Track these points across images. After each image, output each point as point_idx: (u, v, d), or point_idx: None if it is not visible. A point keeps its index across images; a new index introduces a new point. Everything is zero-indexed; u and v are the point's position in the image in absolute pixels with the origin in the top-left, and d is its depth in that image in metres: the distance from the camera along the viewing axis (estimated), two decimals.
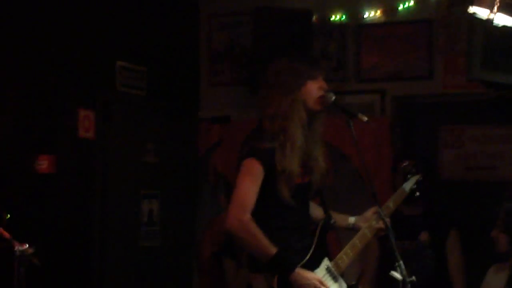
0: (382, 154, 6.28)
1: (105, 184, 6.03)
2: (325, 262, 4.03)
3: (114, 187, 6.10)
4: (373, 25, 6.61)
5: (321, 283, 3.88)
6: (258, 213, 3.92)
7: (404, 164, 5.39)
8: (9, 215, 4.93)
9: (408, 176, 4.48)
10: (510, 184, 5.00)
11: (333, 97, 4.07)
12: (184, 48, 7.05)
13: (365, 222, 4.19)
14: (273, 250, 3.83)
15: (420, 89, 6.46)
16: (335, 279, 4.02)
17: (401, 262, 3.72)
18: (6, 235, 4.25)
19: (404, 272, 3.71)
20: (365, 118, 4.02)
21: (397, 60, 6.50)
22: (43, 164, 5.59)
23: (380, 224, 4.11)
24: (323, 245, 4.06)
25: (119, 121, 6.15)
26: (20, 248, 4.19)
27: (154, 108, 6.58)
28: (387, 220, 4.04)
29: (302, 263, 3.91)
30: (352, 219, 4.26)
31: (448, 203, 6.20)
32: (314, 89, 4.06)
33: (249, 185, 3.93)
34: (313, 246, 4.00)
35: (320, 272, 3.97)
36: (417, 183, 4.46)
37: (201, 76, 7.21)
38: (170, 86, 6.79)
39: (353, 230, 4.22)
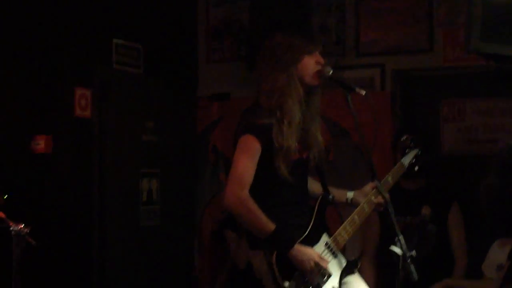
0: (383, 129, 6.22)
1: (103, 164, 5.98)
2: (324, 238, 4.00)
3: (112, 167, 6.06)
4: None
5: (321, 258, 3.85)
6: (256, 190, 3.89)
7: (403, 138, 5.36)
8: (6, 196, 4.90)
9: (407, 150, 4.45)
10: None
11: (331, 71, 4.04)
12: (182, 24, 6.99)
13: (364, 197, 4.16)
14: (271, 226, 3.81)
15: (420, 62, 6.40)
16: (334, 255, 4.00)
17: (401, 236, 3.70)
18: (1, 214, 4.22)
19: (404, 247, 3.67)
20: (363, 92, 3.99)
21: (397, 33, 6.44)
22: (40, 144, 5.54)
23: (379, 199, 4.09)
24: (322, 221, 4.03)
25: (116, 99, 6.09)
26: (16, 227, 4.17)
27: (152, 86, 6.52)
28: (386, 195, 4.00)
29: (300, 239, 3.88)
30: (350, 194, 4.22)
31: (449, 177, 6.17)
32: (311, 64, 4.02)
33: (246, 161, 3.89)
34: (312, 222, 3.98)
35: (319, 248, 3.95)
36: (416, 157, 4.42)
37: (199, 53, 7.15)
38: (167, 64, 6.74)
39: (352, 205, 4.19)
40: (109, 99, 6.03)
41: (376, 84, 6.49)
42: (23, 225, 4.21)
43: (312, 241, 3.93)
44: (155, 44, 6.58)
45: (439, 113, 6.41)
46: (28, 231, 4.21)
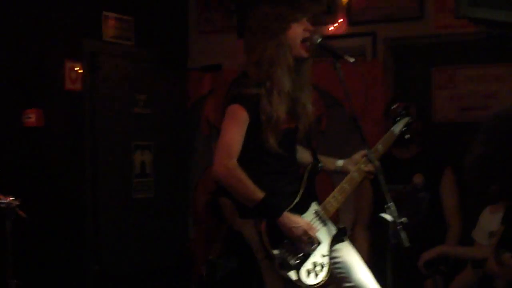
0: (375, 97, 6.22)
1: (94, 137, 5.99)
2: (314, 207, 3.99)
3: (104, 139, 6.06)
4: None
5: (310, 226, 3.85)
6: (245, 159, 3.87)
7: (394, 106, 5.35)
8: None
9: (397, 118, 4.42)
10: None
11: (319, 39, 4.01)
12: None
13: (354, 165, 4.14)
14: (260, 194, 3.80)
15: (411, 30, 6.36)
16: (323, 223, 3.99)
17: (391, 203, 3.68)
18: None
19: (395, 213, 3.66)
20: (352, 59, 3.95)
21: (387, 1, 6.39)
22: (31, 117, 5.54)
23: (369, 167, 4.08)
24: (312, 189, 4.02)
25: (106, 72, 6.09)
26: (5, 200, 4.17)
27: (142, 58, 6.50)
28: (377, 162, 3.99)
29: (290, 207, 3.88)
30: (340, 162, 4.21)
31: (442, 144, 6.16)
32: (299, 32, 3.99)
33: (234, 131, 3.88)
34: (301, 191, 3.96)
35: (308, 217, 3.94)
36: (406, 125, 4.40)
37: (190, 24, 7.12)
38: (158, 36, 6.71)
39: (342, 173, 4.18)
40: (99, 72, 6.02)
41: (367, 52, 6.46)
42: (13, 198, 4.21)
43: (301, 209, 3.92)
44: (145, 16, 6.55)
45: (431, 81, 6.39)
46: (18, 203, 4.22)
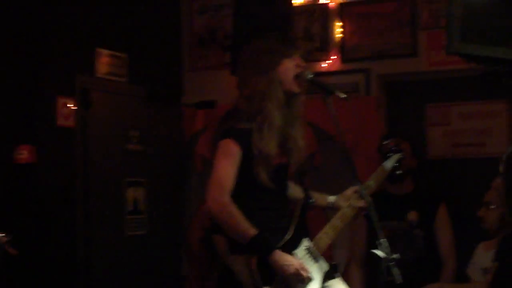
0: (369, 133, 6.21)
1: (87, 173, 5.96)
2: (305, 243, 3.97)
3: (96, 176, 6.04)
4: (355, 2, 6.53)
5: (302, 266, 3.82)
6: (236, 194, 3.86)
7: (385, 142, 5.34)
8: None
9: (389, 154, 4.41)
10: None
11: (310, 75, 4.01)
12: (165, 33, 6.98)
13: (346, 201, 4.13)
14: (253, 231, 3.78)
15: (405, 67, 6.38)
16: (315, 259, 3.97)
17: (383, 239, 3.65)
18: None
19: (387, 249, 3.63)
20: (343, 95, 3.96)
21: (380, 38, 6.42)
22: (23, 154, 5.53)
23: (361, 203, 4.06)
24: (303, 225, 4.00)
25: (99, 108, 6.08)
26: None
27: (136, 94, 6.50)
28: (368, 198, 3.97)
29: (281, 243, 3.85)
30: (332, 198, 4.20)
31: (436, 181, 6.16)
32: (290, 67, 3.99)
33: (227, 166, 3.87)
34: (292, 227, 3.94)
35: (300, 253, 3.92)
36: (398, 161, 4.39)
37: (184, 61, 7.13)
38: (152, 72, 6.72)
39: (333, 209, 4.16)
40: (92, 108, 6.01)
41: (361, 89, 6.47)
42: (3, 234, 4.19)
43: (292, 245, 3.90)
44: (139, 53, 6.56)
45: (425, 117, 6.39)
46: (8, 239, 4.19)
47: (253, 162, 3.86)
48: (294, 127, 4.05)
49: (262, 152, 3.85)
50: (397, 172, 4.41)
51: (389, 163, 4.35)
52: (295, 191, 4.18)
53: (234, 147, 3.87)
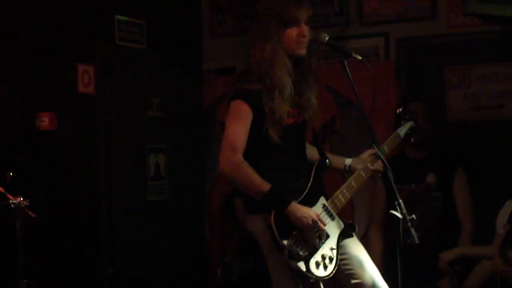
0: (388, 97, 6.20)
1: (108, 140, 6.00)
2: (322, 201, 4.00)
3: (117, 143, 6.07)
4: None
5: (319, 217, 3.86)
6: (251, 155, 3.90)
7: (398, 110, 5.36)
8: (11, 173, 4.94)
9: (402, 122, 4.43)
10: None
11: (327, 37, 4.01)
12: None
13: (361, 164, 4.15)
14: (267, 186, 3.82)
15: (424, 30, 6.35)
16: (331, 217, 3.99)
17: (400, 200, 3.67)
18: (0, 189, 4.26)
19: (404, 211, 3.65)
20: (359, 57, 3.98)
21: (399, 1, 6.38)
22: (44, 121, 5.58)
23: (376, 166, 4.09)
24: (319, 185, 4.03)
25: (119, 75, 6.10)
26: (14, 201, 4.21)
27: (155, 61, 6.52)
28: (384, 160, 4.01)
29: (297, 201, 3.87)
30: (348, 161, 4.22)
31: (455, 144, 6.14)
32: (293, 34, 3.98)
33: (238, 126, 3.91)
34: (308, 187, 3.97)
35: (317, 210, 3.94)
36: (410, 129, 4.41)
37: (204, 27, 7.14)
38: (171, 39, 6.73)
39: (350, 172, 4.20)
40: (112, 75, 6.03)
41: (380, 53, 6.46)
42: (22, 198, 4.25)
43: (309, 204, 3.92)
44: (158, 20, 6.57)
45: (444, 80, 6.37)
46: (27, 204, 4.25)
47: (265, 122, 3.90)
48: (307, 87, 4.05)
49: (273, 113, 3.88)
50: (411, 140, 4.43)
51: (402, 131, 4.38)
52: (313, 153, 4.20)
53: (245, 107, 3.90)
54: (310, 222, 3.80)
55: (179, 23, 6.85)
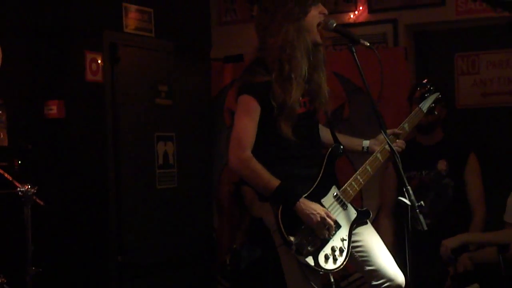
0: (397, 84, 6.18)
1: (116, 128, 5.98)
2: (333, 190, 3.98)
3: (126, 131, 6.05)
4: None
5: (328, 213, 3.84)
6: (262, 145, 3.88)
7: (423, 82, 5.36)
8: (20, 161, 4.95)
9: (426, 95, 4.41)
10: None
11: (334, 24, 4.00)
12: None
13: (379, 146, 4.13)
14: (275, 182, 3.80)
15: (433, 16, 6.32)
16: (343, 206, 3.98)
17: (408, 187, 3.65)
18: (8, 177, 4.27)
19: (413, 197, 3.63)
20: (367, 43, 3.95)
21: None
22: (53, 109, 5.58)
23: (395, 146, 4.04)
24: (331, 172, 4.00)
25: (127, 63, 6.08)
26: (22, 188, 4.22)
27: (163, 49, 6.50)
28: (399, 143, 4.00)
29: (307, 193, 3.86)
30: (366, 143, 4.21)
31: (465, 130, 6.13)
32: (316, 15, 3.97)
33: (246, 122, 3.89)
34: (320, 175, 3.95)
35: (328, 200, 3.93)
36: (435, 101, 4.39)
37: (212, 15, 7.11)
38: (179, 27, 6.70)
39: (368, 153, 4.18)
40: (120, 63, 6.01)
41: (389, 39, 6.43)
42: (30, 186, 4.25)
43: (320, 194, 3.91)
44: (166, 7, 6.55)
45: (454, 67, 6.34)
46: (35, 191, 4.26)
47: (274, 115, 3.87)
48: (317, 74, 4.03)
49: (284, 104, 3.85)
50: (435, 112, 4.39)
51: (426, 103, 4.35)
52: (328, 136, 4.19)
53: (252, 102, 3.88)
54: (319, 219, 3.79)
55: (187, 11, 6.82)
